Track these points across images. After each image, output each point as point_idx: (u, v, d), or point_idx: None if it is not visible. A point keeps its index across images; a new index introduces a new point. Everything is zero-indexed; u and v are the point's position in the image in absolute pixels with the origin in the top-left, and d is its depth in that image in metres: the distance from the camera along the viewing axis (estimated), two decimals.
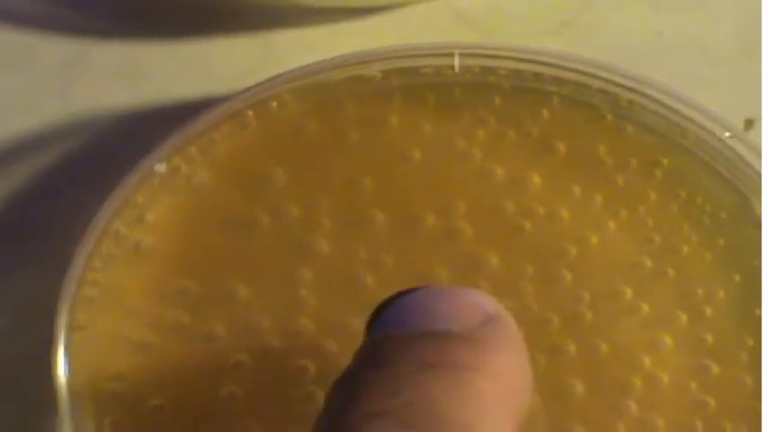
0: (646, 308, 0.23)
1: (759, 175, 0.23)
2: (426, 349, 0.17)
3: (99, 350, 0.23)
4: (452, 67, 0.23)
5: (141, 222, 0.23)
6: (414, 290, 0.19)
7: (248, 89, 0.23)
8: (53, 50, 0.25)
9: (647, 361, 0.22)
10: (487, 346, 0.18)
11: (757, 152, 0.23)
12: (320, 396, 0.22)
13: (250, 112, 0.23)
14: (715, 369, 0.22)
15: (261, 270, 0.23)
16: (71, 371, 0.22)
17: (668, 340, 0.23)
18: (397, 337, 0.18)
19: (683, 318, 0.23)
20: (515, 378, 0.18)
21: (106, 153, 0.25)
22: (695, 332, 0.23)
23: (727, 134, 0.23)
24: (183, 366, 0.23)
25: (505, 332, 0.18)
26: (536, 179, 0.23)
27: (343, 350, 0.22)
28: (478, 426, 0.17)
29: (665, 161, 0.23)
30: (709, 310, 0.23)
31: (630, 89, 0.23)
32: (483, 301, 0.19)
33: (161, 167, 0.23)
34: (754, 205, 0.23)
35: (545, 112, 0.23)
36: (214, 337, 0.23)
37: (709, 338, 0.23)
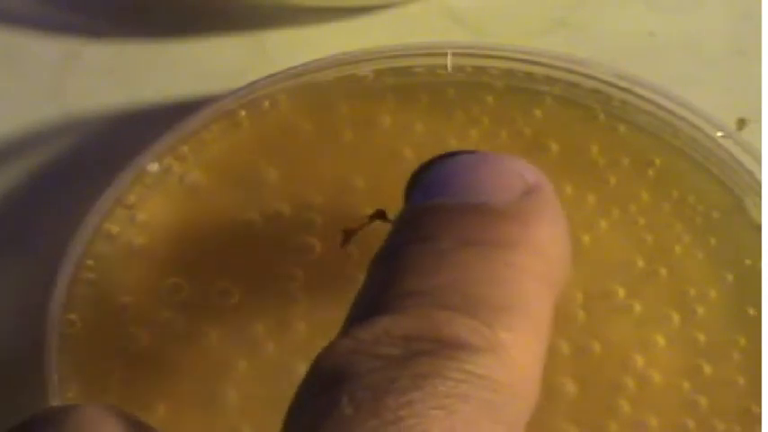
0: (638, 307, 0.23)
1: (751, 175, 0.23)
2: (468, 225, 0.17)
3: (91, 350, 0.23)
4: (445, 66, 0.23)
5: (133, 222, 0.23)
6: (452, 154, 0.18)
7: (241, 89, 0.23)
8: (45, 50, 0.25)
9: (639, 360, 0.22)
10: (529, 220, 0.17)
11: (749, 152, 0.23)
12: None
13: (242, 112, 0.23)
14: (707, 369, 0.22)
15: (253, 269, 0.23)
16: (63, 371, 0.22)
17: (661, 340, 0.23)
18: (439, 209, 0.17)
19: (676, 317, 0.23)
20: (556, 254, 0.18)
21: (98, 152, 0.25)
22: (688, 332, 0.23)
23: (720, 134, 0.23)
24: (175, 366, 0.23)
25: (546, 204, 0.18)
26: None
27: None
28: (516, 307, 0.16)
29: (658, 161, 0.23)
30: (701, 310, 0.23)
31: (623, 89, 0.23)
32: (523, 170, 0.18)
33: (153, 167, 0.23)
34: (747, 205, 0.23)
35: (538, 112, 0.23)
36: (207, 336, 0.23)
37: (702, 338, 0.23)
